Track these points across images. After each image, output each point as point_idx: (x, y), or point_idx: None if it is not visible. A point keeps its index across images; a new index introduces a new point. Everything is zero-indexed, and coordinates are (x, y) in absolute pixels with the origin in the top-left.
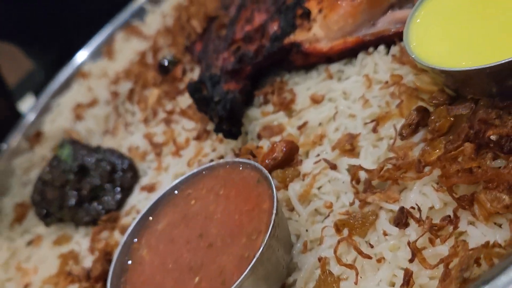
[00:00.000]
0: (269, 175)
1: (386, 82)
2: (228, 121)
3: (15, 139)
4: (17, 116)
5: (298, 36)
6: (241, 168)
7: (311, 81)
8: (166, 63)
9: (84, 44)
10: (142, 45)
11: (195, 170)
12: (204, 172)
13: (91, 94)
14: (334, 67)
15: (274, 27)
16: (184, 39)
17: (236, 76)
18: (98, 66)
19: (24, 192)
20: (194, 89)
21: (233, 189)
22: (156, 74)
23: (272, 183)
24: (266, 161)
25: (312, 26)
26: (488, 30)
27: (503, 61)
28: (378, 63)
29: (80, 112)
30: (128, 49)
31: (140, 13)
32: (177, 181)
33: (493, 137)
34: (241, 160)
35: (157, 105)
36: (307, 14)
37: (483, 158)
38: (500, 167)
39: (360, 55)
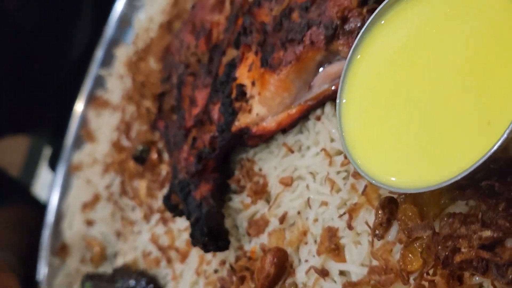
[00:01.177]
0: None
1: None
2: (211, 241)
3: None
4: (41, 213)
5: (242, 120)
6: None
7: (275, 159)
8: (139, 153)
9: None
10: (114, 118)
11: None
12: None
13: (91, 187)
14: (290, 139)
15: (216, 111)
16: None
17: (203, 175)
18: (85, 154)
19: None
20: (171, 207)
21: None
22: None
23: None
24: (262, 281)
25: (252, 106)
26: (435, 121)
27: (457, 178)
28: (331, 130)
29: (88, 215)
30: (104, 126)
31: (100, 81)
32: None
33: None
34: None
35: (149, 197)
36: (242, 93)
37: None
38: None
39: (311, 123)
